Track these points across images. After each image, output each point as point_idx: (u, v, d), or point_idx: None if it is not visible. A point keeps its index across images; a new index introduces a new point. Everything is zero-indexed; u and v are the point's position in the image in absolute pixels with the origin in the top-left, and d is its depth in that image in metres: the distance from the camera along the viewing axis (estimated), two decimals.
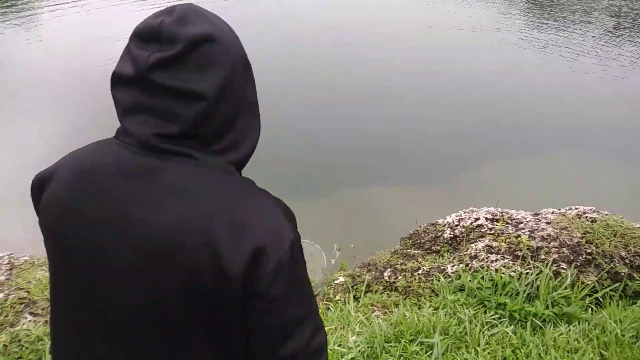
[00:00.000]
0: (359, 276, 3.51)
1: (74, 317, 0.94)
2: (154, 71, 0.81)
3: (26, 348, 2.63)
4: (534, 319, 2.68)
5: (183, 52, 0.81)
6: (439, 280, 3.08)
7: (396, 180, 5.34)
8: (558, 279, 2.87)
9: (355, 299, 3.26)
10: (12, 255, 3.26)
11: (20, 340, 2.67)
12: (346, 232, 4.44)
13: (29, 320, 2.78)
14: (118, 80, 0.87)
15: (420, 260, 3.42)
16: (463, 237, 3.36)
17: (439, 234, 3.54)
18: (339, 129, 6.39)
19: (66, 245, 0.91)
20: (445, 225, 3.56)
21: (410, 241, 3.72)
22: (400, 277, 3.26)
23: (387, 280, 3.29)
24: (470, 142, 6.17)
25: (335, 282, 3.59)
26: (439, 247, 3.45)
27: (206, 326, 0.85)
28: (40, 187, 0.96)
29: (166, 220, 0.82)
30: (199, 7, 0.88)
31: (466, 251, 3.21)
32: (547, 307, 2.77)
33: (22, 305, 2.86)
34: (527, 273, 2.91)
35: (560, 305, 2.78)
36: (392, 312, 2.92)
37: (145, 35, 0.84)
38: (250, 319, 0.85)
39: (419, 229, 3.80)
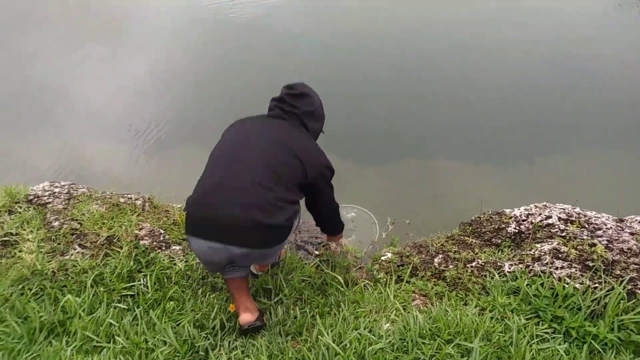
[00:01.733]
0: (407, 256, 3.31)
1: (227, 160, 2.36)
2: (286, 96, 2.61)
3: (72, 278, 2.73)
4: (592, 342, 2.37)
5: (297, 94, 2.60)
6: (492, 278, 2.82)
7: (468, 157, 4.91)
8: (632, 301, 2.51)
9: (399, 280, 3.09)
10: (72, 186, 3.38)
11: (67, 270, 2.78)
12: (404, 205, 4.21)
13: (78, 252, 2.88)
14: (273, 100, 2.66)
15: (476, 251, 3.14)
16: (529, 234, 3.03)
17: (503, 226, 3.22)
18: (418, 98, 5.98)
19: (237, 136, 2.49)
20: (511, 217, 3.23)
21: (471, 228, 3.44)
22: (451, 266, 3.03)
23: (437, 267, 3.06)
24: (557, 124, 5.50)
25: (382, 258, 3.42)
26: (499, 241, 3.15)
27: (293, 179, 2.38)
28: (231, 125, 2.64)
29: (288, 137, 2.47)
30: (307, 85, 2.71)
31: (530, 251, 2.89)
32: (611, 330, 2.43)
33: (74, 236, 2.97)
34: (595, 288, 2.57)
35: (628, 330, 2.43)
36: (433, 304, 2.72)
37: (288, 85, 2.65)
38: (318, 187, 2.54)
39: (482, 216, 3.50)
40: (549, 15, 8.25)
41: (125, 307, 2.57)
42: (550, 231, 2.98)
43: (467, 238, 3.33)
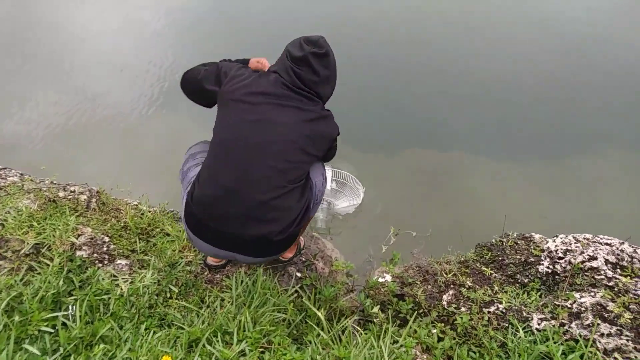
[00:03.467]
0: (409, 284, 2.72)
1: (241, 154, 2.08)
2: (310, 56, 2.12)
3: None
4: None
5: (322, 54, 2.14)
6: (516, 334, 2.21)
7: (489, 152, 4.19)
8: None
9: (397, 317, 2.50)
10: (1, 172, 2.74)
11: None
12: (410, 211, 3.56)
13: None
14: (291, 57, 2.16)
15: (496, 289, 2.53)
16: (565, 277, 2.41)
17: (532, 260, 2.59)
18: (436, 79, 5.17)
19: (250, 116, 2.11)
20: (544, 251, 2.59)
21: (490, 254, 2.81)
22: (463, 309, 2.42)
23: (445, 307, 2.46)
24: (596, 122, 4.75)
25: (380, 280, 2.83)
26: (526, 280, 2.53)
27: (303, 153, 2.15)
28: None
29: (302, 124, 2.14)
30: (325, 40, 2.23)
31: (566, 302, 2.27)
32: None
33: None
34: None
35: None
36: None
37: (312, 40, 2.16)
38: (328, 152, 2.33)
39: (504, 240, 2.87)
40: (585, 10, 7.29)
41: (38, 352, 1.97)
42: (593, 277, 2.35)
43: (485, 268, 2.71)
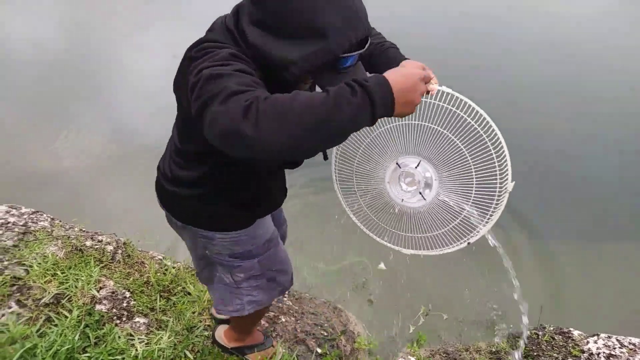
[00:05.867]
0: None
1: None
2: None
3: None
4: None
5: None
6: None
7: (537, 223, 3.98)
8: None
9: None
10: (32, 216, 2.75)
11: None
12: (443, 290, 3.40)
13: (12, 311, 2.23)
14: None
15: None
16: None
17: None
18: None
19: None
20: (585, 352, 2.41)
21: (524, 348, 2.63)
22: None
23: None
24: None
25: None
26: None
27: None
28: None
29: None
30: None
31: None
32: None
33: (14, 288, 2.33)
34: None
35: None
36: None
37: None
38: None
39: (540, 333, 2.69)
40: None
41: None
42: None
43: None
